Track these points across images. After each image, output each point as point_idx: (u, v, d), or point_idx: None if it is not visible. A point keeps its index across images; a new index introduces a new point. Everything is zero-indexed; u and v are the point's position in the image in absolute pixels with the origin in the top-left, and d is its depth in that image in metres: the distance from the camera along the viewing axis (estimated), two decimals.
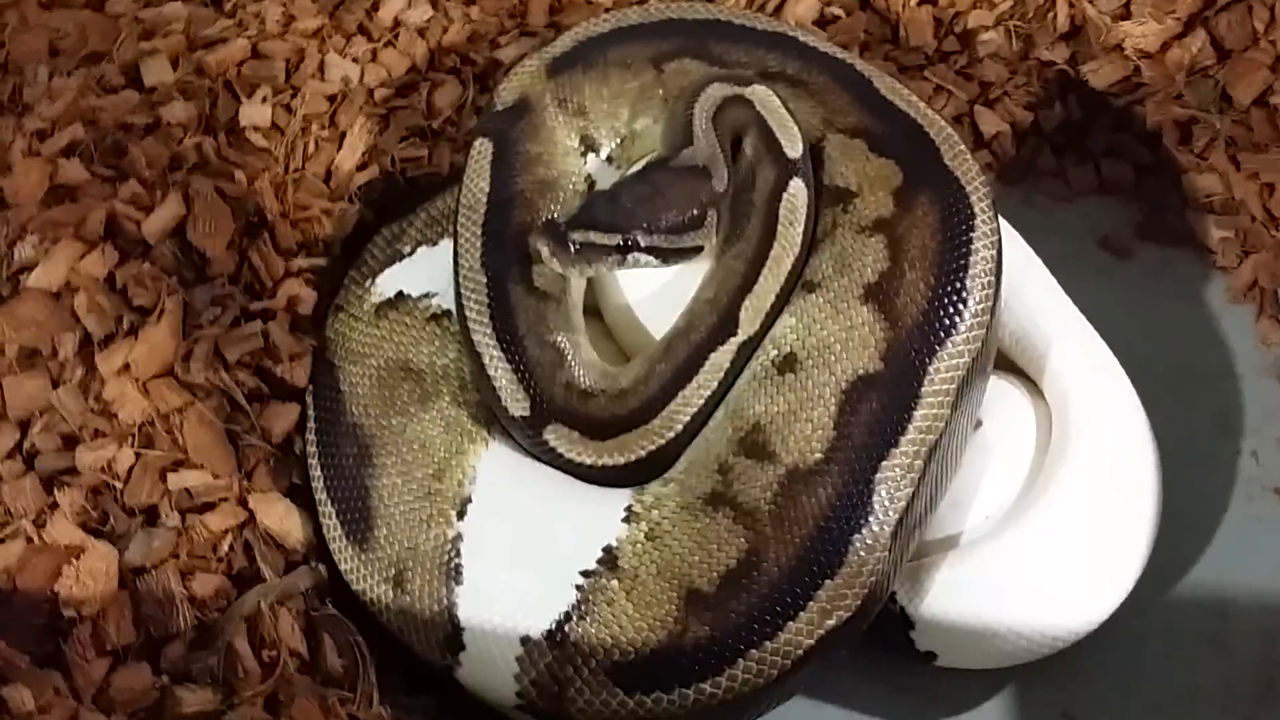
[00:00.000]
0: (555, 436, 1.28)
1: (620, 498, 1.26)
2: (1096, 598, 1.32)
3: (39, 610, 1.25)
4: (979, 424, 1.36)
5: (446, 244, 1.42)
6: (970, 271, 1.27)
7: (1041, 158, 1.80)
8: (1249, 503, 1.52)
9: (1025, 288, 1.43)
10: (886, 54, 1.83)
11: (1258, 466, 1.55)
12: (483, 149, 1.37)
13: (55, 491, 1.30)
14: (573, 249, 1.23)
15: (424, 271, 1.41)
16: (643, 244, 1.25)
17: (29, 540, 1.27)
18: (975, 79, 1.81)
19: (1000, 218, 1.49)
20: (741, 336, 1.28)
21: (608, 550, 1.22)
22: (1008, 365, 1.43)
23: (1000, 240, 1.31)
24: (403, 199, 1.58)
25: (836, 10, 1.79)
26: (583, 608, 1.20)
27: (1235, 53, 1.70)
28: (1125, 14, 1.72)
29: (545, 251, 1.23)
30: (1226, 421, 1.59)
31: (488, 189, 1.35)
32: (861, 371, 1.24)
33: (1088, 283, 1.66)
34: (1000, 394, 1.39)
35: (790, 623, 1.19)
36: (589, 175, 1.41)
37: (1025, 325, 1.41)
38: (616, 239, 1.24)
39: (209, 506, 1.33)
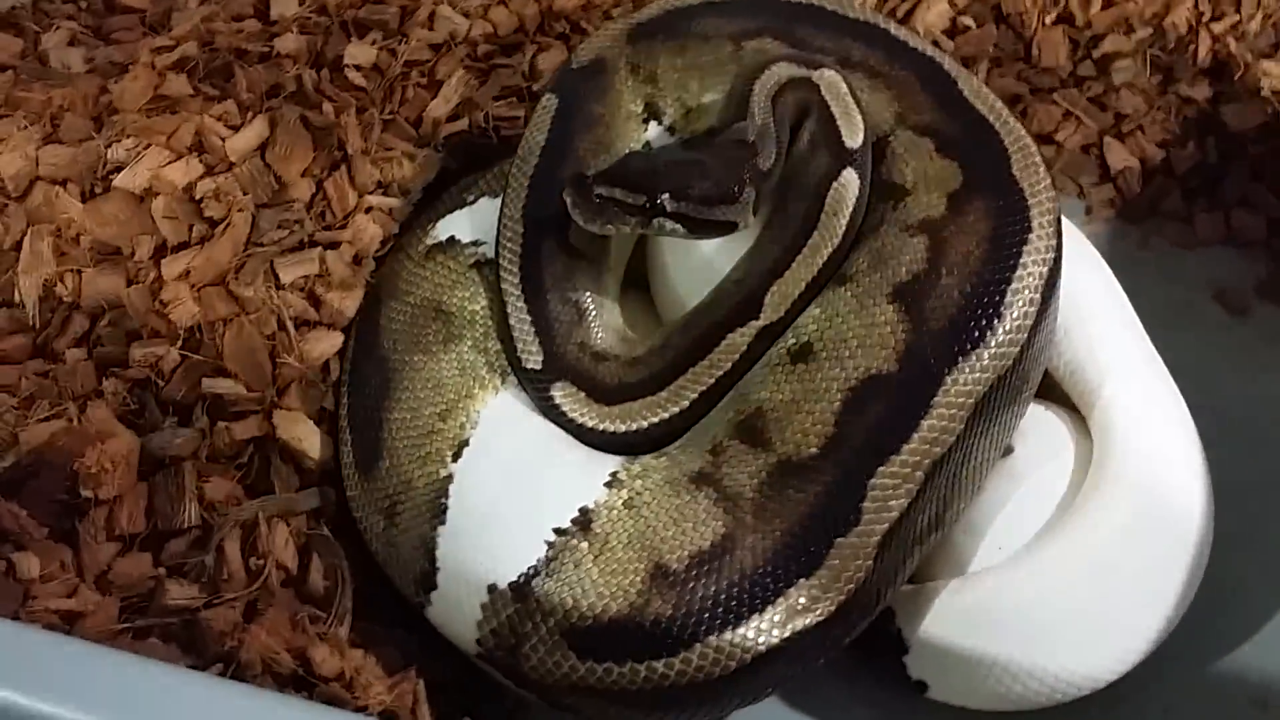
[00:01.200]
0: (562, 394, 1.27)
1: (609, 463, 1.25)
2: (1107, 652, 1.23)
3: (62, 487, 1.31)
4: (1009, 450, 1.28)
5: None
6: (1013, 285, 1.20)
7: (1169, 199, 1.70)
8: None
9: (1094, 319, 1.35)
10: (1019, 73, 1.76)
11: None
12: (548, 104, 1.38)
13: (104, 380, 1.38)
14: (595, 201, 1.21)
15: (480, 220, 1.42)
16: (669, 209, 1.22)
17: (69, 421, 1.34)
18: (1109, 109, 1.73)
19: (1086, 243, 1.43)
20: (763, 321, 1.24)
21: (584, 511, 1.20)
22: (1060, 397, 1.35)
23: (1057, 260, 1.24)
24: (493, 155, 1.60)
25: (968, 20, 1.74)
26: (550, 565, 1.19)
27: None
28: (1270, 52, 1.59)
29: (568, 201, 1.22)
30: None
31: (544, 142, 1.35)
32: (875, 371, 1.19)
33: (1195, 336, 1.58)
34: (1042, 423, 1.32)
35: (755, 616, 1.15)
36: (648, 142, 1.39)
37: (1083, 356, 1.33)
38: (642, 199, 1.22)
39: (238, 416, 1.37)
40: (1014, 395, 1.24)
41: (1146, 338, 1.39)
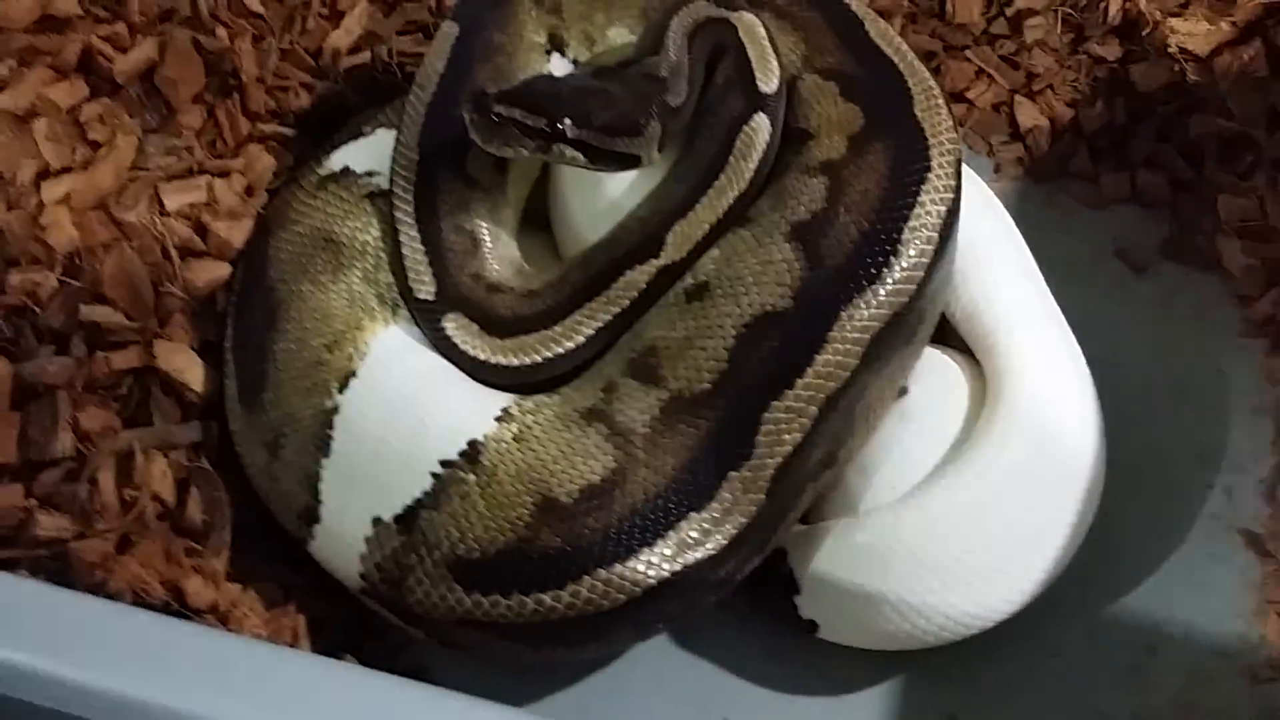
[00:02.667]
0: (454, 325, 1.24)
1: (501, 398, 1.22)
2: (994, 592, 1.23)
3: None
4: (904, 391, 1.28)
5: None
6: (910, 224, 1.19)
7: (1076, 159, 1.69)
8: (1209, 538, 1.40)
9: (992, 264, 1.34)
10: (933, 29, 1.74)
11: (1228, 504, 1.43)
12: (448, 31, 1.34)
13: None
14: (494, 120, 1.18)
15: (376, 152, 1.37)
16: (569, 135, 1.19)
17: None
18: (1021, 67, 1.72)
19: (988, 191, 1.43)
20: (663, 260, 1.22)
21: (472, 444, 1.18)
22: (957, 341, 1.35)
23: (956, 202, 1.23)
24: (395, 90, 1.56)
25: None
26: (436, 497, 1.16)
27: None
28: (1178, 11, 1.60)
29: (467, 119, 1.19)
30: (1209, 454, 1.47)
31: (442, 70, 1.32)
32: (769, 307, 1.17)
33: (1098, 293, 1.59)
34: (937, 365, 1.31)
35: (644, 549, 1.13)
36: (550, 74, 1.36)
37: (980, 301, 1.32)
38: (542, 123, 1.19)
39: (117, 345, 1.32)
40: (909, 335, 1.23)
41: (1045, 287, 1.39)
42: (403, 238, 1.27)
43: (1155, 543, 1.39)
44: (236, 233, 1.39)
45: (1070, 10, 1.68)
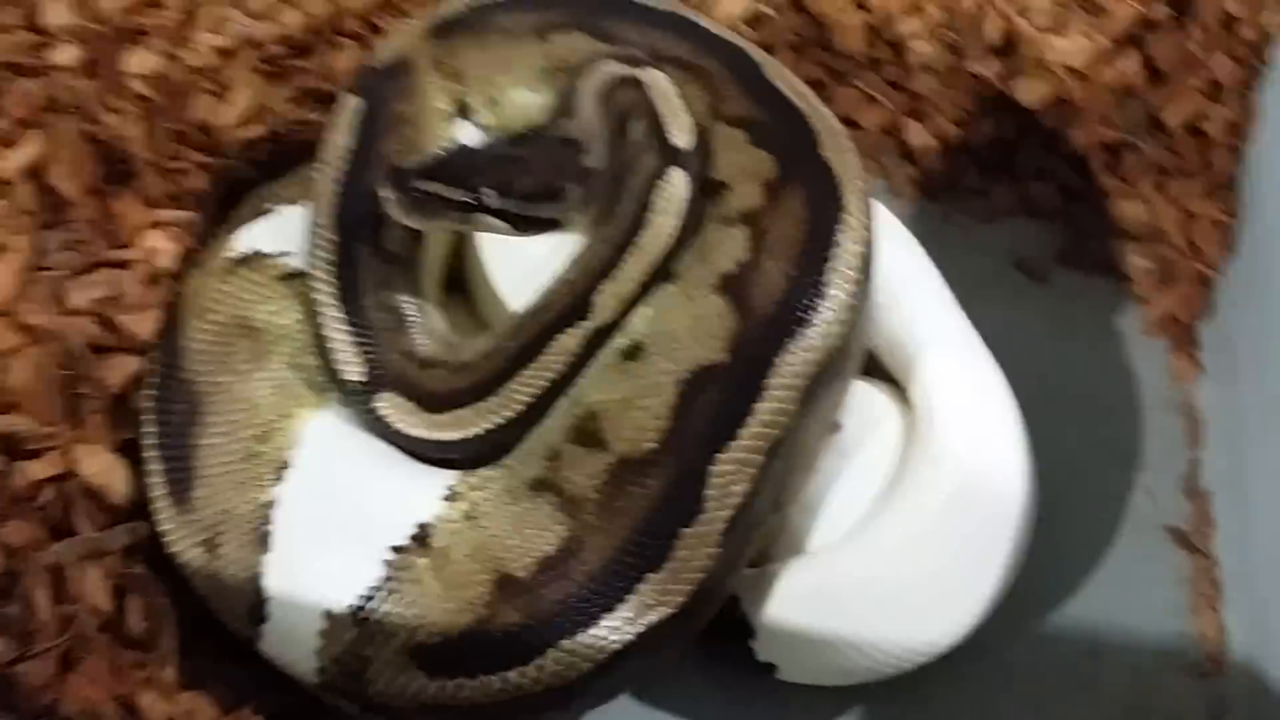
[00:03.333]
0: (387, 405, 1.22)
1: (445, 477, 1.20)
2: (947, 617, 1.26)
3: None
4: (837, 426, 1.30)
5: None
6: (831, 264, 1.21)
7: (967, 176, 1.74)
8: (1138, 539, 1.46)
9: (909, 294, 1.37)
10: (817, 58, 1.77)
11: (1152, 504, 1.48)
12: (352, 104, 1.32)
13: None
14: (415, 196, 1.17)
15: (284, 230, 1.35)
16: (491, 205, 1.19)
17: None
18: (906, 90, 1.76)
19: (896, 222, 1.46)
20: (594, 323, 1.22)
21: (422, 527, 1.16)
22: (880, 372, 1.37)
23: (870, 238, 1.25)
24: (289, 162, 1.54)
25: (766, 9, 1.74)
26: (390, 585, 1.14)
27: (1167, 75, 1.63)
28: (1056, 29, 1.65)
29: (387, 197, 1.17)
30: (1126, 456, 1.53)
31: (351, 145, 1.30)
32: (705, 361, 1.17)
33: (1000, 305, 1.62)
34: (864, 398, 1.34)
35: (606, 615, 1.12)
36: (458, 141, 1.35)
37: (899, 332, 1.35)
38: (463, 194, 1.18)
39: (32, 454, 1.27)
40: (841, 373, 1.24)
41: (959, 309, 1.42)
42: (325, 320, 1.24)
43: (1086, 549, 1.44)
44: (145, 324, 1.34)
45: (949, 31, 1.72)
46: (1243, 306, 1.54)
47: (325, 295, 1.25)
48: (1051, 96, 1.69)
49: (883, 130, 1.77)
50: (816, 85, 1.74)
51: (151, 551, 1.27)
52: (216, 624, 1.25)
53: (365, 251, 1.26)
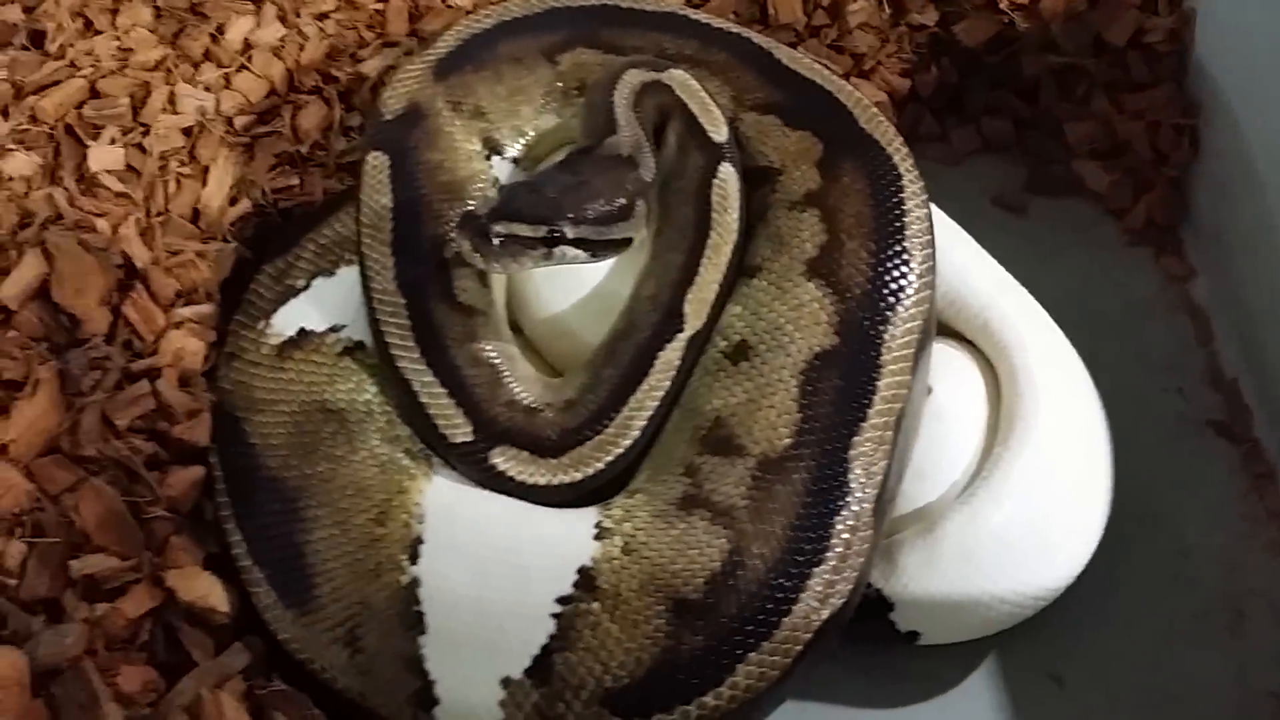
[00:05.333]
0: (504, 459, 1.18)
1: (586, 516, 1.17)
2: (1073, 550, 1.29)
3: None
4: (929, 390, 1.31)
5: (345, 272, 1.31)
6: (908, 233, 1.23)
7: (923, 124, 1.77)
8: (1185, 439, 1.51)
9: (950, 248, 1.39)
10: (760, 34, 1.78)
11: (1186, 402, 1.54)
12: (378, 162, 1.27)
13: None
14: (495, 243, 1.13)
15: (326, 304, 1.29)
16: (570, 235, 1.16)
17: None
18: (848, 51, 1.78)
19: None
20: (689, 331, 1.20)
21: (583, 572, 1.13)
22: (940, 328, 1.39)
23: (928, 199, 1.28)
24: (277, 233, 1.46)
25: None
26: (565, 637, 1.11)
27: None
28: None
29: (467, 247, 1.13)
30: (1147, 362, 1.58)
31: (390, 203, 1.24)
32: (818, 349, 1.18)
33: (988, 242, 1.64)
34: (944, 358, 1.35)
35: (785, 619, 1.12)
36: (496, 179, 1.32)
37: (957, 286, 1.37)
38: (542, 230, 1.15)
39: (119, 592, 1.19)
40: (931, 336, 1.26)
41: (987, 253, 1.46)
42: (418, 386, 1.19)
43: (1142, 456, 1.46)
44: (198, 431, 1.27)
45: None
46: (1222, 202, 1.62)
47: (410, 362, 1.19)
48: (994, 34, 1.74)
49: None
50: None
51: (274, 665, 1.20)
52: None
53: (440, 309, 1.21)
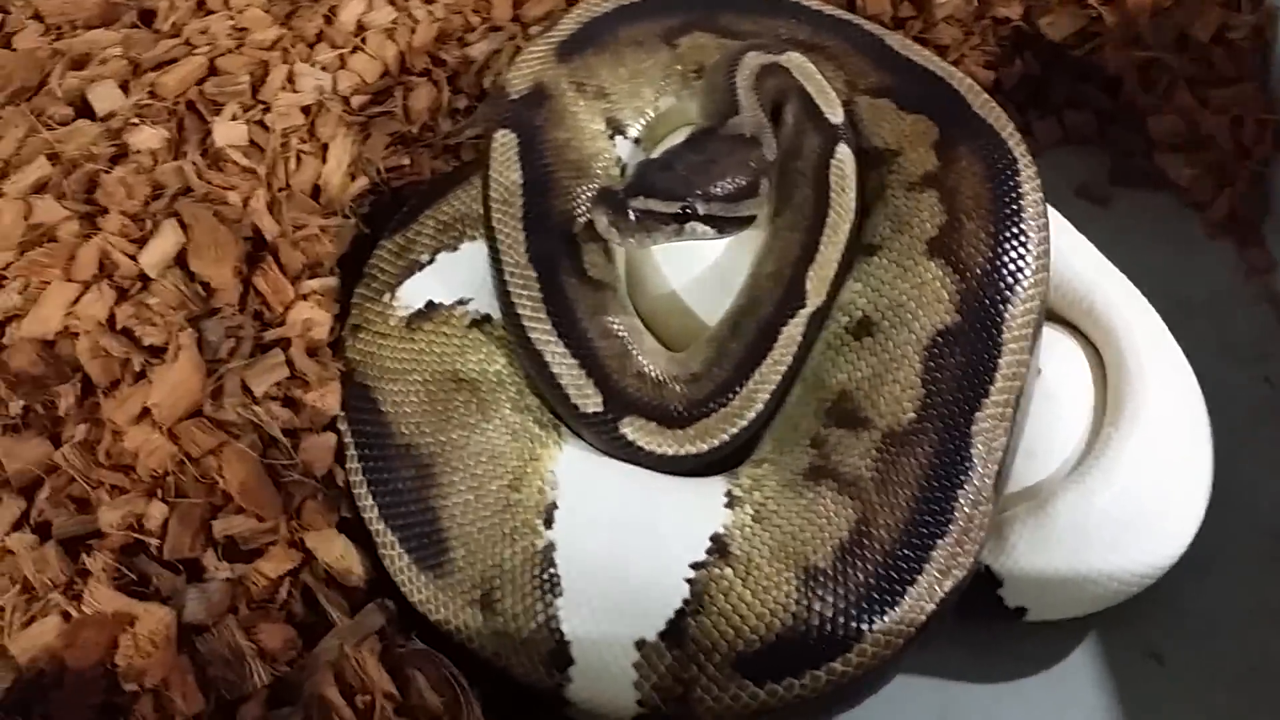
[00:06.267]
0: (633, 429, 1.21)
1: (716, 484, 1.21)
2: (1180, 527, 1.32)
3: (94, 688, 1.13)
4: (1039, 371, 1.35)
5: (469, 247, 1.35)
6: (1026, 215, 1.26)
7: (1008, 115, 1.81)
8: (1274, 426, 1.55)
9: (1057, 233, 1.42)
10: None
11: (1274, 390, 1.58)
12: (506, 140, 1.30)
13: (83, 557, 1.19)
14: (631, 218, 1.17)
15: (451, 278, 1.33)
16: (701, 212, 1.20)
17: (65, 615, 1.15)
18: (932, 43, 1.81)
19: None
20: (811, 307, 1.24)
21: (716, 539, 1.16)
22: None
23: (1040, 184, 1.31)
24: (387, 209, 1.50)
25: None
26: (699, 601, 1.14)
27: None
28: None
29: (604, 222, 1.17)
30: (1234, 353, 1.61)
31: (520, 180, 1.28)
32: (940, 326, 1.21)
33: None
34: (1051, 340, 1.38)
35: (910, 588, 1.15)
36: (619, 159, 1.35)
37: (1061, 270, 1.40)
38: (675, 207, 1.19)
39: (258, 553, 1.22)
40: (1044, 317, 1.30)
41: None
42: (550, 357, 1.22)
43: (1236, 444, 1.49)
44: (328, 400, 1.30)
45: None
46: None
47: (543, 334, 1.23)
48: (1078, 29, 1.77)
49: None
50: None
51: (406, 625, 1.23)
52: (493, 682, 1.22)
53: (571, 283, 1.24)
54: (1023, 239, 1.24)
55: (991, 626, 1.37)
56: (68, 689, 1.12)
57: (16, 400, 1.24)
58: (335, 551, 1.23)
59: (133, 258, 1.30)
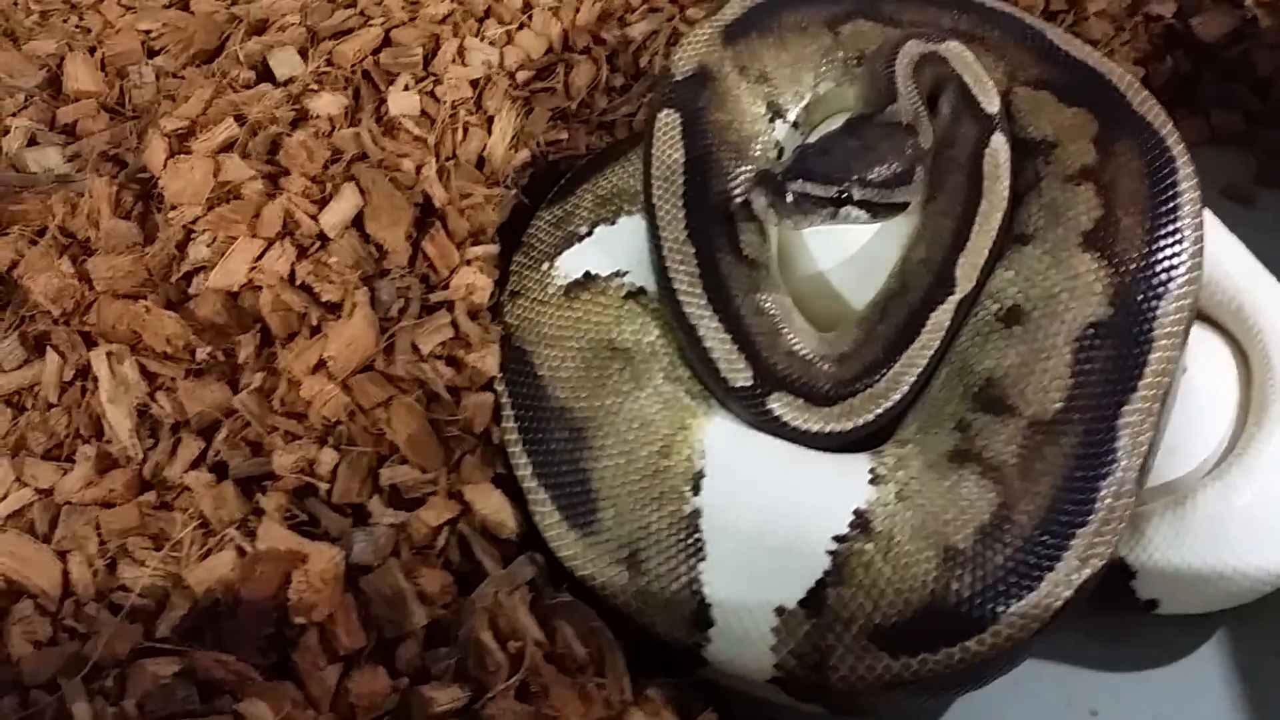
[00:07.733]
0: (781, 405, 1.26)
1: (860, 461, 1.25)
2: None
3: (264, 619, 1.21)
4: (1185, 368, 1.36)
5: (626, 221, 1.40)
6: (1182, 212, 1.27)
7: None
8: None
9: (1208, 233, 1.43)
10: None
11: None
12: (670, 119, 1.35)
13: (258, 497, 1.27)
14: (789, 200, 1.21)
15: (609, 250, 1.38)
16: (856, 197, 1.24)
17: (240, 551, 1.23)
18: (1083, 38, 1.81)
19: None
20: (959, 294, 1.27)
21: (859, 513, 1.20)
22: None
23: (1198, 183, 1.32)
24: (545, 181, 1.56)
25: None
26: (839, 573, 1.18)
27: None
28: None
29: (762, 203, 1.21)
30: None
31: (682, 158, 1.32)
32: (1092, 318, 1.23)
33: None
34: (1196, 339, 1.39)
35: (1049, 574, 1.18)
36: (777, 142, 1.39)
37: (1211, 269, 1.40)
38: (832, 190, 1.23)
39: (419, 502, 1.29)
40: (1194, 314, 1.31)
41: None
42: (703, 331, 1.27)
43: None
44: (489, 361, 1.36)
45: None
46: None
47: (698, 309, 1.27)
48: (1231, 29, 1.76)
49: None
50: None
51: (554, 579, 1.30)
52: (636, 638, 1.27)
53: (728, 261, 1.29)
54: (1178, 236, 1.26)
55: (1122, 617, 1.39)
56: (240, 619, 1.20)
57: (202, 347, 1.33)
58: (491, 505, 1.29)
59: (313, 218, 1.37)
